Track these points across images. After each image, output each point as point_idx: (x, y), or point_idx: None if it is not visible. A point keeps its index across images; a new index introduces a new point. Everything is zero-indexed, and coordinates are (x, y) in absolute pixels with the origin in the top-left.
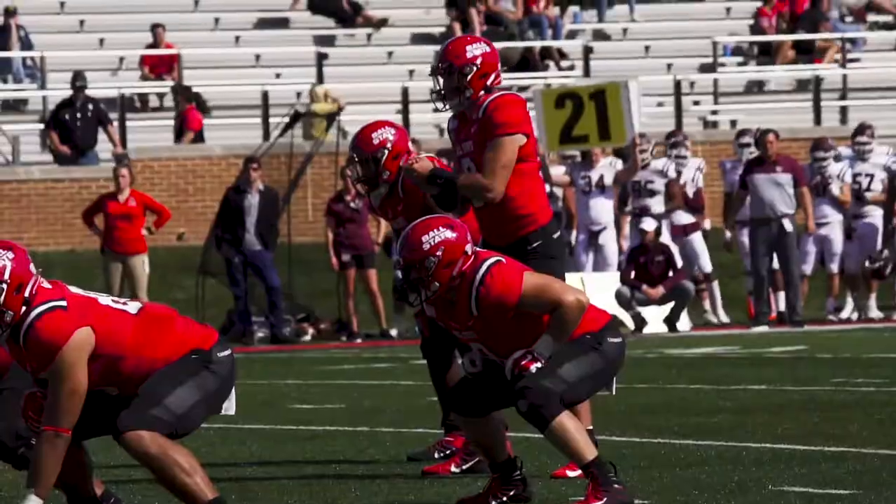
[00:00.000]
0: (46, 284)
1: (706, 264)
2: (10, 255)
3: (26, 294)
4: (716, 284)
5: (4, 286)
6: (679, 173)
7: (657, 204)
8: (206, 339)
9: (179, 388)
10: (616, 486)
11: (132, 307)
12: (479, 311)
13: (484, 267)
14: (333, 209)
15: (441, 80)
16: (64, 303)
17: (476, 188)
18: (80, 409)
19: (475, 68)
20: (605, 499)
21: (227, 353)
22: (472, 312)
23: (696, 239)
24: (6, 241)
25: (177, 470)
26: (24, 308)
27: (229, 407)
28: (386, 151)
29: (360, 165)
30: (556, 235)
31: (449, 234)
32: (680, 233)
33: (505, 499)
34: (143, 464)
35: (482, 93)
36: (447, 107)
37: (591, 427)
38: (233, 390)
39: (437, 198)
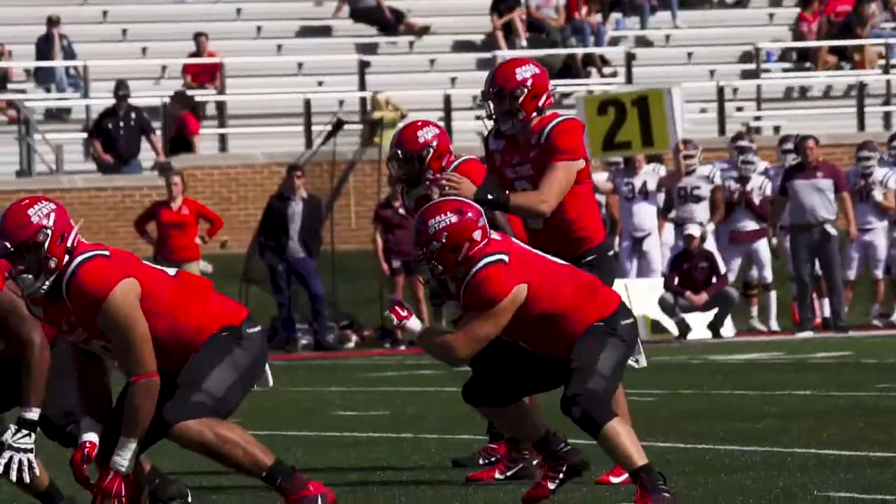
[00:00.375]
0: (85, 241)
1: (769, 275)
2: (52, 205)
3: (69, 244)
4: (773, 294)
5: (49, 232)
6: (746, 179)
7: (702, 210)
8: (237, 315)
9: (216, 371)
10: (665, 493)
11: (170, 271)
12: (464, 303)
13: (481, 263)
14: (381, 215)
15: (492, 105)
16: (107, 252)
17: (530, 204)
18: (153, 352)
19: (526, 90)
20: None
21: (258, 329)
22: (461, 302)
23: (762, 247)
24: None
25: (230, 447)
26: (66, 258)
27: (266, 381)
28: (431, 150)
29: (403, 163)
30: (610, 253)
31: (454, 219)
32: (745, 239)
33: (561, 475)
34: (196, 451)
35: (534, 115)
36: (503, 129)
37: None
38: (267, 364)
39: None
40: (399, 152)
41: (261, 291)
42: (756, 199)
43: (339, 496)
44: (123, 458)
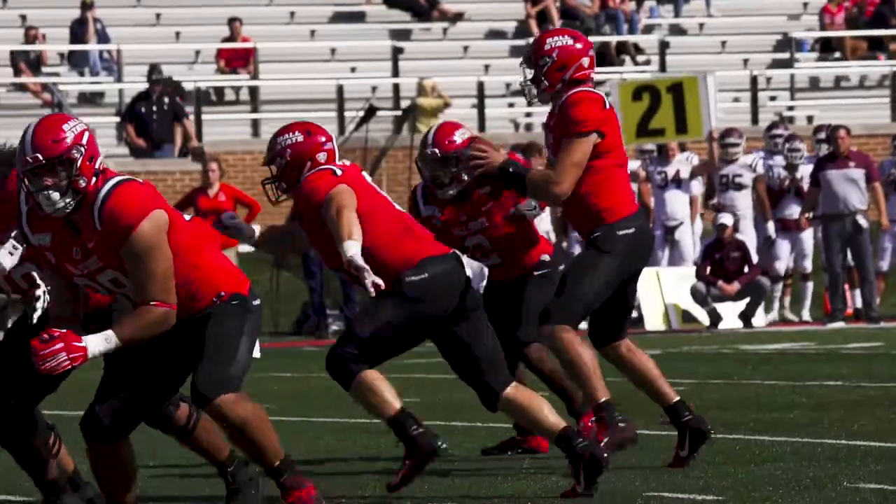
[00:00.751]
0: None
1: (809, 265)
2: (84, 124)
3: (97, 166)
4: (809, 285)
5: (83, 150)
6: (794, 167)
7: (744, 198)
8: (243, 283)
9: (242, 341)
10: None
11: (185, 216)
12: (298, 211)
13: (311, 172)
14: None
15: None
16: (140, 179)
17: (542, 185)
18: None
19: (551, 61)
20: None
21: (258, 302)
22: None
23: (807, 236)
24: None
25: (260, 430)
26: (94, 179)
27: (256, 351)
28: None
29: (439, 164)
30: (622, 232)
31: (300, 139)
32: (794, 228)
33: (581, 472)
34: (227, 427)
35: (559, 86)
36: (531, 97)
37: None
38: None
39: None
40: (437, 152)
41: (292, 276)
42: (805, 187)
43: (369, 483)
44: (97, 348)
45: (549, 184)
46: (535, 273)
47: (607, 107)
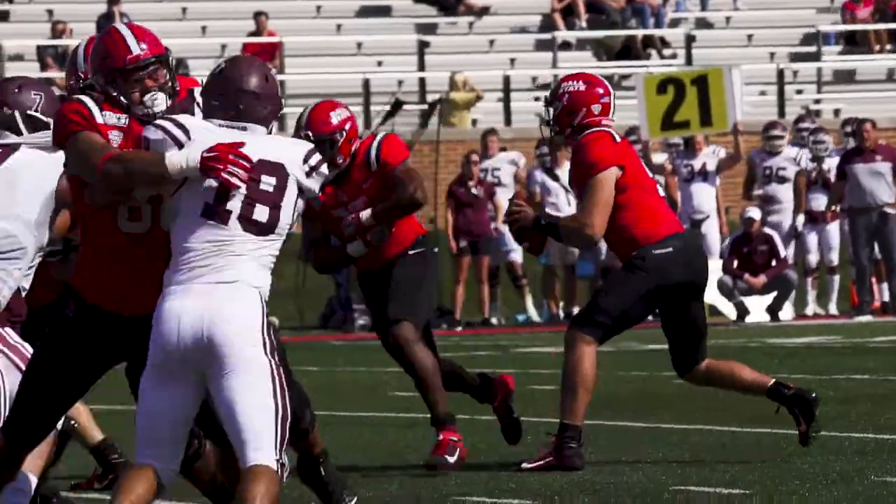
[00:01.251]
0: None
1: (835, 258)
2: None
3: None
4: (837, 278)
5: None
6: (821, 160)
7: (786, 190)
8: None
9: None
10: None
11: None
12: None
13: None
14: (455, 193)
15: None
16: None
17: (575, 231)
18: None
19: (561, 105)
20: None
21: None
22: None
23: (834, 228)
24: None
25: None
26: None
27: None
28: (343, 133)
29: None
30: (658, 251)
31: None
32: (820, 220)
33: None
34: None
35: (568, 131)
36: (552, 133)
37: None
38: None
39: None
40: (310, 135)
41: None
42: (832, 179)
43: (396, 477)
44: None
45: (581, 228)
46: (411, 252)
47: (618, 140)
